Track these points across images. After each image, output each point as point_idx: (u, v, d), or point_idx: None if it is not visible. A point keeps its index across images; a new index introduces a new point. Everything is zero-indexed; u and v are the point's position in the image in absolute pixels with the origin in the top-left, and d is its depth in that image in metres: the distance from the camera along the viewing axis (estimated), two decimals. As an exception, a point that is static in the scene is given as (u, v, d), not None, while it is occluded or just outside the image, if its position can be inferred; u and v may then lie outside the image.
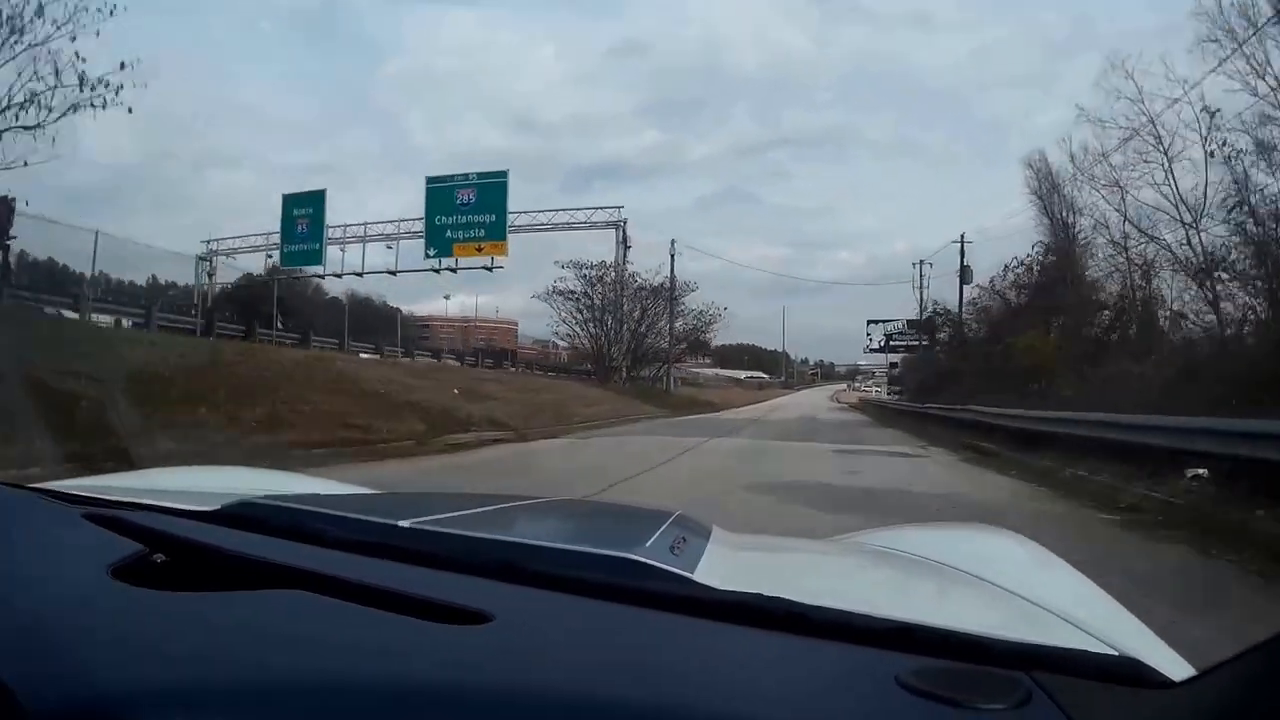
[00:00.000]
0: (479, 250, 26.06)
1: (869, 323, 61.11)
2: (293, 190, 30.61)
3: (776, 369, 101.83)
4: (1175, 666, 0.59)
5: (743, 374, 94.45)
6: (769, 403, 43.62)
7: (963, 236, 28.82)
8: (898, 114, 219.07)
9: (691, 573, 0.70)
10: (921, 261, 38.28)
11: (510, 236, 26.36)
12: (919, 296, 38.34)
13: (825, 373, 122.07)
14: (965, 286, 27.91)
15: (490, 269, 26.55)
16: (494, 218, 25.81)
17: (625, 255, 30.24)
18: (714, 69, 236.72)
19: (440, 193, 26.63)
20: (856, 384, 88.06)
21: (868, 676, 0.53)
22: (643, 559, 0.70)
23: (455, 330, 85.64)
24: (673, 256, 31.85)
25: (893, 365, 66.27)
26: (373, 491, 1.44)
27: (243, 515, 0.83)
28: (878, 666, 0.53)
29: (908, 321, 61.10)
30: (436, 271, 27.14)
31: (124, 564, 0.67)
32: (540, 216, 28.42)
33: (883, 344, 59.82)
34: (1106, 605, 0.83)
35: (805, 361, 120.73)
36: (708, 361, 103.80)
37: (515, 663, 0.54)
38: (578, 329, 33.95)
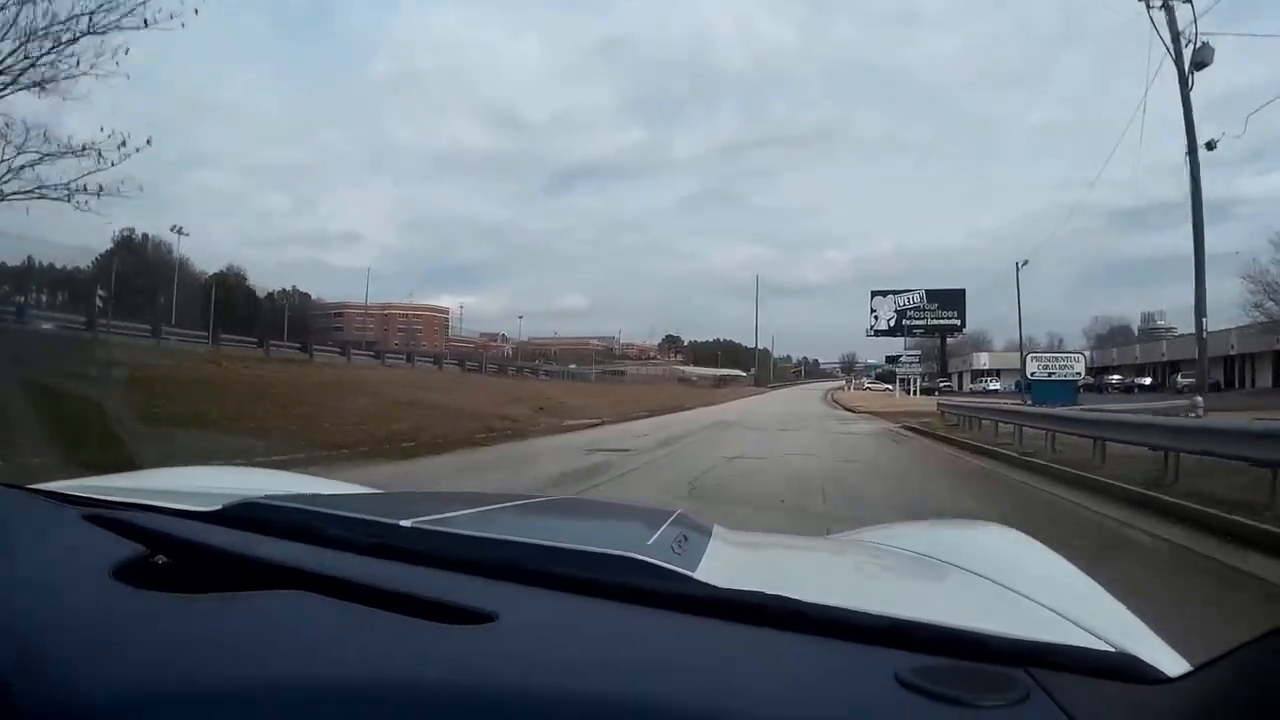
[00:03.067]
0: None
1: (874, 294, 48.02)
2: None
3: (758, 367, 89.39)
4: (1171, 662, 0.61)
5: (715, 371, 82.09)
6: (626, 427, 16.90)
7: None
8: (886, 112, 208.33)
9: (693, 571, 0.70)
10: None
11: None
12: (1180, 53, 12.27)
13: (809, 370, 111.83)
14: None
15: None
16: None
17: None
18: (701, 64, 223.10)
19: None
20: (854, 379, 74.03)
21: (868, 674, 0.54)
22: (645, 558, 0.70)
23: (374, 319, 71.99)
24: None
25: (889, 359, 53.04)
26: (375, 491, 1.46)
27: (244, 516, 0.81)
28: (878, 664, 0.54)
29: (926, 292, 47.40)
30: None
31: (125, 565, 0.67)
32: None
33: (892, 324, 46.77)
34: (1104, 602, 0.82)
35: (788, 358, 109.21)
36: (680, 359, 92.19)
37: (521, 663, 0.54)
38: None
